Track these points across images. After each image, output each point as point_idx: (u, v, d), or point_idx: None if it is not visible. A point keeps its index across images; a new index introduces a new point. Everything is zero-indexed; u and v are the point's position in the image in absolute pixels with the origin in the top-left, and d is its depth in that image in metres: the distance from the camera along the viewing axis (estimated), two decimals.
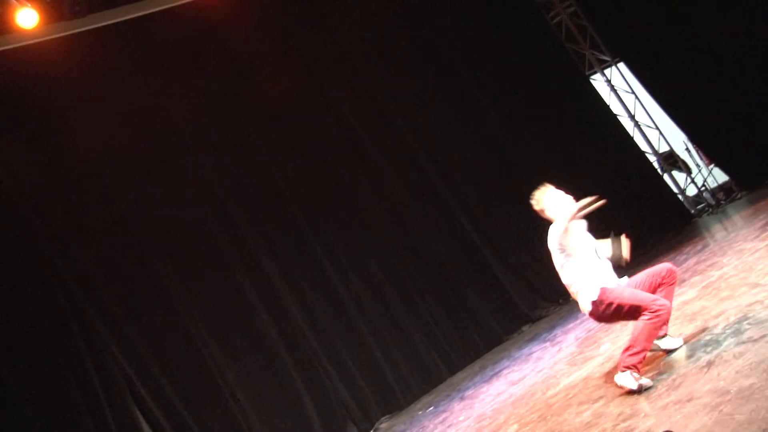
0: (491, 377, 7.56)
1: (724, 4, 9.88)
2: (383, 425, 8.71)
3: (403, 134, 10.58)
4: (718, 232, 8.41)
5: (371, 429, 8.71)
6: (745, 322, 4.03)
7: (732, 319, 4.24)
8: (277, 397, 8.65)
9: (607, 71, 12.37)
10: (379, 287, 9.73)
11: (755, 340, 3.62)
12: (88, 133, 8.59)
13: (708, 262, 6.70)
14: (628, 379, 3.97)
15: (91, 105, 8.67)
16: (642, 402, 3.70)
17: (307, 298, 9.31)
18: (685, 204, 11.61)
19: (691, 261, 7.30)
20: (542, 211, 4.80)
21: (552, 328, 8.55)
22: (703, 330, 4.36)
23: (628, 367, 3.98)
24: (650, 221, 10.74)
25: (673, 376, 3.79)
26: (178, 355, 8.35)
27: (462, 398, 7.34)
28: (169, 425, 7.90)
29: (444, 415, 6.96)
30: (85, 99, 8.65)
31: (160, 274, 8.55)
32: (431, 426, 6.82)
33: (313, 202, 9.73)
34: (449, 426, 6.29)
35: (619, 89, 12.34)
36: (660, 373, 3.99)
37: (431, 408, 7.89)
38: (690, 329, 4.57)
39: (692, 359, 3.90)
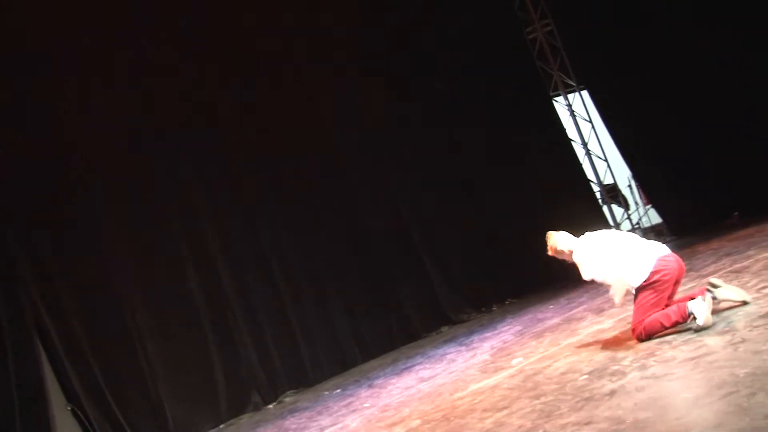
0: (403, 371, 7.63)
1: (700, 55, 10.11)
2: (288, 399, 8.73)
3: (360, 122, 10.51)
4: None
5: (275, 401, 8.71)
6: (651, 359, 4.18)
7: (640, 354, 4.40)
8: (188, 355, 8.56)
9: (570, 96, 12.62)
10: (312, 267, 9.71)
11: (657, 377, 3.76)
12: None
13: (628, 296, 6.91)
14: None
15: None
16: (543, 419, 3.80)
17: (240, 264, 9.23)
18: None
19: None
20: (557, 253, 5.19)
21: (470, 333, 8.69)
22: (612, 360, 4.50)
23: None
24: None
25: (577, 399, 3.91)
26: (96, 302, 8.18)
27: (370, 386, 7.39)
28: (74, 370, 7.73)
29: (350, 399, 7.00)
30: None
31: (92, 221, 8.34)
32: (335, 407, 6.86)
33: (261, 174, 9.62)
34: (353, 410, 6.33)
35: (578, 115, 12.61)
36: (565, 394, 4.11)
37: (338, 390, 7.92)
38: (600, 357, 4.72)
39: (597, 386, 4.02)
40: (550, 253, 5.23)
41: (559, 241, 5.21)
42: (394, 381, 7.16)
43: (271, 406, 8.60)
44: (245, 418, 8.34)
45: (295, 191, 9.79)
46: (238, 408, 8.54)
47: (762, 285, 5.03)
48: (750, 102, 9.80)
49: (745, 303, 4.59)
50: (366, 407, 6.25)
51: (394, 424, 5.08)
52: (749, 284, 5.20)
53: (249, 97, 9.69)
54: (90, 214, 8.38)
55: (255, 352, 8.96)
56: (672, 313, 4.57)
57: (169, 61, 9.21)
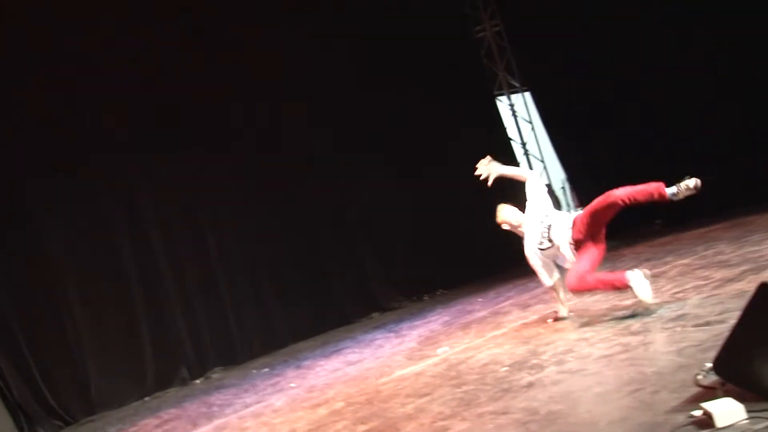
0: (331, 354, 7.67)
1: (645, 71, 10.33)
2: (215, 375, 8.66)
3: (305, 108, 10.40)
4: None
5: (202, 376, 8.64)
6: (569, 355, 4.32)
7: (559, 349, 4.54)
8: (117, 326, 8.41)
9: (513, 96, 12.83)
10: (247, 246, 9.63)
11: (572, 372, 3.89)
12: None
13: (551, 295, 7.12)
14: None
15: None
16: (462, 407, 3.89)
17: (174, 240, 9.08)
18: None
19: (540, 289, 7.73)
20: (506, 224, 5.70)
21: (400, 321, 8.78)
22: (533, 354, 4.64)
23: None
24: (514, 245, 11.22)
25: (496, 389, 4.01)
26: (25, 266, 7.96)
27: (298, 367, 7.41)
28: None
29: (277, 379, 7.01)
30: None
31: (19, 192, 8.09)
32: (262, 386, 6.85)
33: (198, 149, 9.40)
34: (279, 390, 6.34)
35: (520, 116, 12.83)
36: (485, 385, 4.21)
37: (266, 369, 7.91)
38: (521, 351, 4.85)
39: (516, 378, 4.14)
40: (499, 222, 5.72)
41: (508, 214, 5.69)
42: (321, 363, 7.20)
43: (198, 381, 8.53)
44: (171, 392, 8.24)
45: (233, 170, 9.66)
46: (164, 382, 8.44)
47: (676, 290, 5.25)
48: (685, 116, 10.13)
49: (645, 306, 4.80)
50: (292, 387, 6.27)
51: (318, 405, 5.11)
52: (664, 288, 5.43)
53: (187, 64, 9.44)
54: (19, 185, 8.09)
55: (185, 328, 8.85)
56: (612, 279, 4.91)
57: None
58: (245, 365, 8.76)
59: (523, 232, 5.60)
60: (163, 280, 8.85)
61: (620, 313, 5.06)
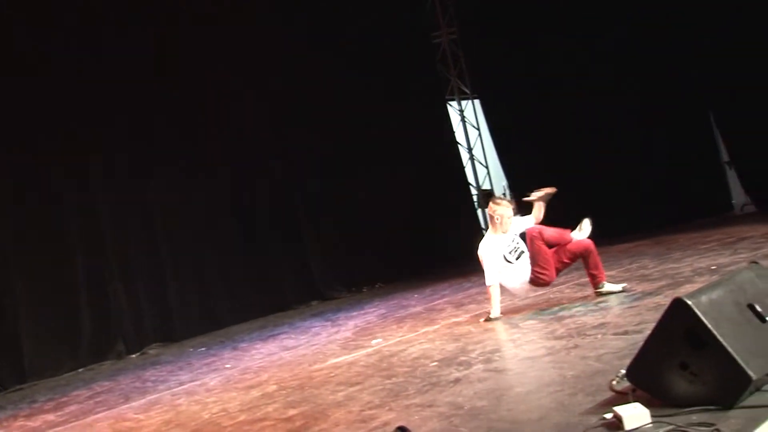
0: (268, 338, 7.65)
1: (602, 81, 10.54)
2: (152, 351, 8.52)
3: (253, 96, 10.28)
4: None
5: (139, 351, 8.49)
6: (496, 354, 4.42)
7: (488, 348, 4.63)
8: (55, 296, 8.17)
9: (463, 102, 12.96)
10: (193, 226, 9.48)
11: (498, 371, 3.98)
12: None
13: (488, 296, 7.24)
14: (611, 286, 5.48)
15: None
16: (390, 397, 3.93)
17: (121, 213, 8.88)
18: None
19: (474, 290, 7.86)
20: (499, 215, 5.77)
21: (338, 310, 8.80)
22: (462, 351, 4.72)
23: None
24: (452, 246, 11.40)
25: (424, 383, 4.07)
26: None
27: (235, 348, 7.37)
28: None
29: (213, 359, 6.95)
30: None
31: None
32: (198, 365, 6.77)
33: (148, 126, 9.22)
34: (214, 369, 6.28)
35: (468, 122, 12.99)
36: (415, 378, 4.26)
37: (203, 349, 7.84)
38: (452, 348, 4.92)
39: (445, 373, 4.20)
40: (493, 203, 5.95)
41: (508, 209, 5.84)
42: (258, 346, 7.17)
43: (134, 356, 8.37)
44: (106, 365, 8.07)
45: (182, 150, 9.50)
46: (100, 354, 8.26)
47: (600, 300, 5.41)
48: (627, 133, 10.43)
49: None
50: (227, 368, 6.22)
51: (251, 387, 5.09)
52: (589, 297, 5.60)
53: (140, 47, 9.23)
54: None
55: (126, 302, 8.68)
56: None
57: None
58: (183, 343, 8.63)
59: (497, 230, 5.77)
60: (106, 253, 8.63)
61: (548, 318, 5.20)
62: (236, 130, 10.10)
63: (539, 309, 5.66)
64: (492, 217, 5.88)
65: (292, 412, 4.12)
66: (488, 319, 5.65)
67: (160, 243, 9.16)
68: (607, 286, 5.55)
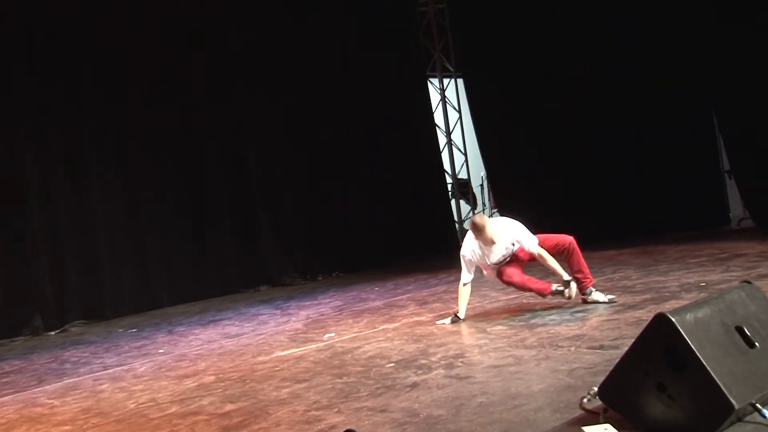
0: (209, 323, 7.62)
1: (601, 71, 10.56)
2: (74, 329, 8.41)
3: (218, 79, 10.26)
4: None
5: (59, 328, 8.37)
6: (459, 360, 4.45)
7: (450, 353, 4.66)
8: None
9: (445, 80, 12.95)
10: (134, 198, 9.42)
11: (460, 378, 4.01)
12: None
13: (454, 294, 7.29)
14: (599, 295, 5.56)
15: None
16: (340, 398, 3.93)
17: (58, 183, 8.80)
18: (459, 234, 12.54)
19: (441, 287, 7.91)
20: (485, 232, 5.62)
21: (289, 298, 8.79)
22: (422, 354, 4.74)
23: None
24: (421, 238, 11.44)
25: (378, 385, 4.08)
26: None
27: (170, 332, 7.33)
28: None
29: (144, 342, 6.90)
30: None
31: None
32: (126, 347, 6.71)
33: (105, 100, 9.22)
34: (145, 354, 6.23)
35: (449, 102, 12.98)
36: (368, 379, 4.27)
37: (134, 330, 7.78)
38: (411, 349, 4.94)
39: (401, 376, 4.22)
40: (475, 221, 5.76)
41: (489, 236, 5.65)
42: (197, 332, 7.14)
43: (53, 333, 8.24)
44: (19, 342, 7.94)
45: (122, 120, 9.42)
46: (12, 329, 8.13)
47: (577, 309, 5.49)
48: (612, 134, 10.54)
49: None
50: (160, 353, 6.18)
51: (185, 376, 5.05)
52: (566, 305, 5.66)
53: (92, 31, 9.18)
54: None
55: (49, 272, 8.53)
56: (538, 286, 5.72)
57: None
58: (111, 322, 8.54)
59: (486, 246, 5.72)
60: (32, 220, 8.50)
61: (519, 325, 5.25)
62: (185, 98, 9.98)
63: (510, 314, 5.72)
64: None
65: (229, 407, 4.10)
66: (453, 321, 5.68)
67: (95, 214, 9.05)
68: (595, 295, 5.62)
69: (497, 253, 5.69)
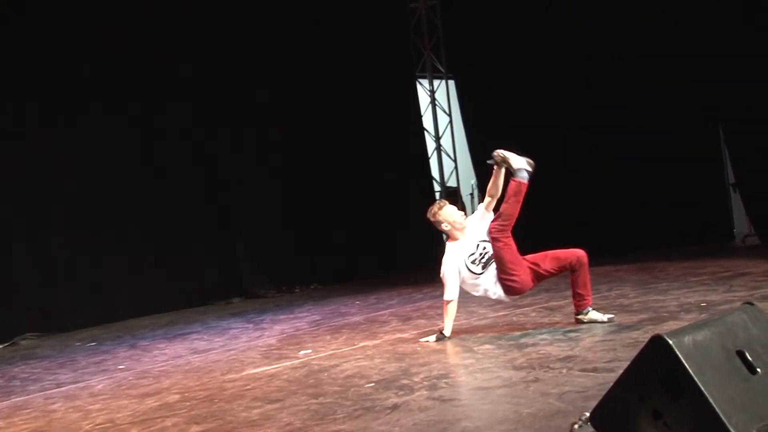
0: (175, 337, 7.59)
1: (602, 76, 10.68)
2: (25, 342, 8.35)
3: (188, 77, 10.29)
4: None
5: (8, 341, 8.29)
6: (443, 380, 4.44)
7: (434, 373, 4.66)
8: None
9: (436, 82, 12.99)
10: (98, 196, 9.39)
11: (444, 401, 4.01)
12: None
13: (439, 310, 7.30)
14: (596, 314, 5.52)
15: None
16: (315, 420, 3.92)
17: (15, 186, 8.76)
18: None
19: (425, 303, 7.91)
20: (438, 223, 5.89)
21: (263, 312, 8.77)
22: (404, 373, 4.73)
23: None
24: (406, 250, 11.45)
25: (356, 407, 4.07)
26: None
27: (133, 346, 7.29)
28: None
29: (104, 357, 6.85)
30: None
31: None
32: (83, 362, 6.66)
33: (68, 96, 9.27)
34: (103, 370, 6.19)
35: (439, 105, 13.02)
36: (346, 399, 4.26)
37: (93, 343, 7.74)
38: (392, 368, 4.93)
39: (381, 397, 4.21)
40: (432, 218, 5.97)
41: (452, 213, 5.91)
42: (162, 346, 7.11)
43: (0, 346, 8.15)
44: None
45: (88, 111, 9.49)
46: None
47: (570, 328, 5.51)
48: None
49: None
50: (120, 369, 6.14)
51: (147, 395, 5.01)
52: (558, 324, 5.69)
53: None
54: None
55: (5, 282, 8.46)
56: None
57: None
58: (68, 335, 8.48)
59: (456, 237, 5.82)
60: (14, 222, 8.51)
61: (507, 344, 5.25)
62: (150, 99, 9.99)
63: (499, 333, 5.72)
64: (443, 230, 5.96)
65: (195, 428, 4.08)
66: (438, 338, 5.68)
67: (50, 216, 8.98)
68: (593, 314, 5.60)
69: (469, 252, 5.68)
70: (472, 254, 5.70)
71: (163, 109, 10.04)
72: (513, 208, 5.67)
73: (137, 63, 9.91)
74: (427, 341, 5.71)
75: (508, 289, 5.65)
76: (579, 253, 5.59)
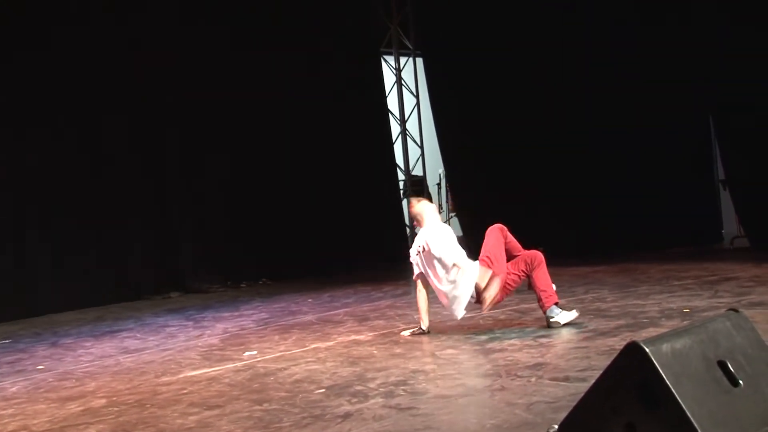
0: (104, 334, 7.55)
1: (584, 58, 10.77)
2: None
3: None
4: None
5: None
6: (401, 387, 4.47)
7: (392, 378, 4.68)
8: None
9: (402, 59, 13.00)
10: (32, 189, 9.30)
11: (401, 409, 4.03)
12: None
13: (400, 311, 7.33)
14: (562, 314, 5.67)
15: None
16: (258, 429, 3.91)
17: None
18: (410, 241, 12.58)
19: (385, 302, 7.93)
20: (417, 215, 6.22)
21: (205, 308, 8.76)
22: (359, 379, 4.75)
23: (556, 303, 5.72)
24: (365, 244, 11.46)
25: (305, 414, 4.07)
26: None
27: (54, 344, 7.24)
28: None
29: (20, 356, 6.79)
30: None
31: None
32: None
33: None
34: (19, 371, 6.13)
35: (406, 86, 13.03)
36: (293, 406, 4.27)
37: (8, 341, 7.67)
38: (346, 373, 4.95)
39: (333, 404, 4.22)
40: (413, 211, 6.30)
41: (430, 209, 6.22)
42: (88, 344, 7.07)
43: None
44: None
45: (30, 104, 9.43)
46: None
47: (542, 333, 5.57)
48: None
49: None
50: (39, 369, 6.09)
51: (69, 399, 4.97)
52: (528, 329, 5.75)
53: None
54: None
55: None
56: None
57: None
58: None
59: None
60: None
61: (473, 349, 5.29)
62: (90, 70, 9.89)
63: (464, 336, 5.77)
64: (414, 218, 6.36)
65: None
66: (415, 333, 5.97)
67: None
68: (559, 315, 5.71)
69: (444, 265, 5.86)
70: (444, 271, 5.89)
71: (98, 90, 9.92)
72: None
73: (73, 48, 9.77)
74: (405, 335, 5.99)
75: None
76: (535, 252, 5.85)
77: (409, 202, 6.30)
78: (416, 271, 5.96)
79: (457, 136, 12.06)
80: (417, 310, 6.07)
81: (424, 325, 5.97)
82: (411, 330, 6.05)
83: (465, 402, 4.06)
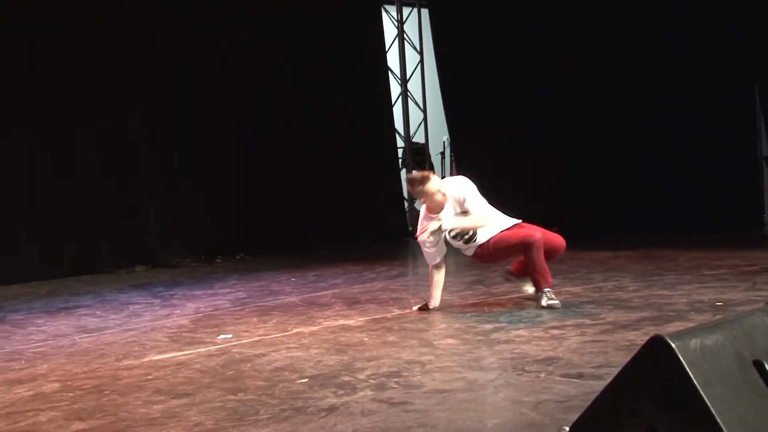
0: (59, 310, 7.56)
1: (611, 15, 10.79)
2: None
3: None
4: (421, 266, 9.21)
5: None
6: (393, 380, 4.48)
7: (383, 369, 4.69)
8: None
9: (405, 10, 12.93)
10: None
11: (392, 404, 4.04)
12: None
13: (395, 294, 7.34)
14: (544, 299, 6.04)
15: None
16: (231, 421, 3.92)
17: None
18: (409, 216, 12.61)
19: (378, 284, 7.94)
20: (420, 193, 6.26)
21: (174, 284, 8.79)
22: (346, 369, 4.76)
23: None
24: (359, 218, 11.47)
25: (284, 406, 4.08)
26: None
27: (2, 321, 7.25)
28: None
29: None
30: None
31: None
32: None
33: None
34: None
35: (408, 41, 12.98)
36: (272, 397, 4.28)
37: None
38: (332, 361, 4.96)
39: (317, 396, 4.23)
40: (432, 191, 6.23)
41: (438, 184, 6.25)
42: (40, 321, 7.08)
43: None
44: None
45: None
46: None
47: (553, 324, 5.58)
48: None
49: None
50: None
51: (18, 382, 4.98)
52: (538, 319, 5.76)
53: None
54: None
55: None
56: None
57: None
58: None
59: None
60: None
61: (475, 339, 5.30)
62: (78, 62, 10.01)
63: (466, 324, 5.78)
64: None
65: (77, 426, 4.05)
66: (422, 308, 6.32)
67: None
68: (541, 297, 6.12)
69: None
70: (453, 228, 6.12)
71: (69, 56, 9.98)
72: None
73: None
74: (414, 309, 6.40)
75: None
76: (533, 236, 6.08)
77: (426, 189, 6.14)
78: (437, 260, 6.21)
79: (466, 99, 12.03)
80: (429, 286, 6.36)
81: (433, 303, 6.26)
82: (419, 305, 6.36)
83: (464, 398, 4.07)
